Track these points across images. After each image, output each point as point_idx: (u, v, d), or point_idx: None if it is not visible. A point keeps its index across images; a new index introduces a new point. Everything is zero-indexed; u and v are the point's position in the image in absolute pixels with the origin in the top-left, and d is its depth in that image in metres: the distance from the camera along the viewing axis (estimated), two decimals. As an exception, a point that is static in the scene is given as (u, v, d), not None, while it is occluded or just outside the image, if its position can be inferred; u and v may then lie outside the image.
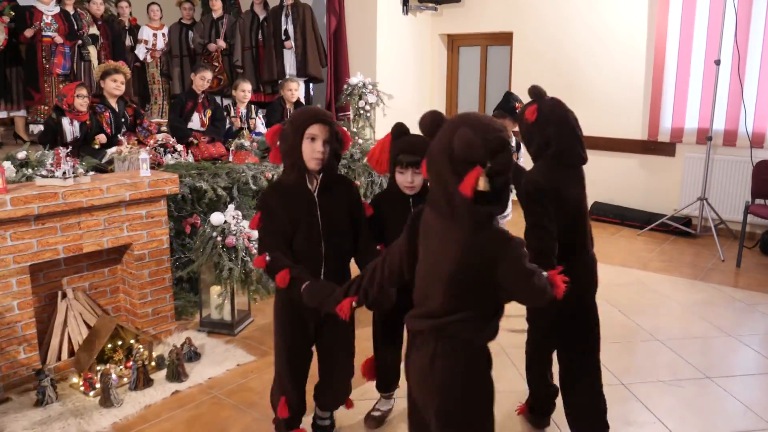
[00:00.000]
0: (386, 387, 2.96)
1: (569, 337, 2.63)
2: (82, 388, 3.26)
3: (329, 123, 2.34)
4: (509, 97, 4.60)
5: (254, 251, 3.92)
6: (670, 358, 3.71)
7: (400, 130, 2.62)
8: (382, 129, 6.96)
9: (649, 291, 4.83)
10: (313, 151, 2.29)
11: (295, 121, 2.33)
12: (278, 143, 2.38)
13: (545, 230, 2.33)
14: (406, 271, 1.89)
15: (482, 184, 1.60)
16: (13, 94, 6.14)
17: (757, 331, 4.11)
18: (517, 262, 1.71)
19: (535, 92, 2.61)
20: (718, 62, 5.99)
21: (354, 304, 2.04)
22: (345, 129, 2.45)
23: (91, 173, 3.57)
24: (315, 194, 2.39)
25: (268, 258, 2.30)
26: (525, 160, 4.74)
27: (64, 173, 3.31)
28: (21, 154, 3.88)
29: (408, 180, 2.57)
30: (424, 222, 1.82)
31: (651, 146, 6.72)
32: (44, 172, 3.37)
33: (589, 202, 7.24)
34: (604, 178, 6.93)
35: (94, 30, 6.64)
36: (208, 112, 5.61)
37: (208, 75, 5.64)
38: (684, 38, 6.38)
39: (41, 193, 3.20)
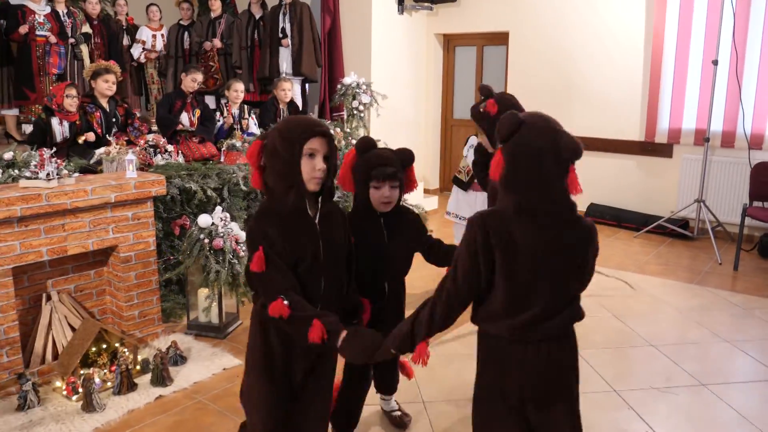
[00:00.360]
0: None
1: None
2: (64, 393, 3.21)
3: (329, 135, 2.00)
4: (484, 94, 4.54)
5: (242, 253, 3.87)
6: (665, 364, 3.65)
7: (368, 143, 2.44)
8: (376, 129, 6.91)
9: (645, 295, 4.77)
10: (312, 169, 1.94)
11: (289, 134, 1.94)
12: (263, 163, 1.99)
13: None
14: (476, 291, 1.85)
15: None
16: (3, 93, 6.09)
17: (753, 336, 4.06)
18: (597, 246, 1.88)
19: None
20: (715, 62, 5.93)
21: (428, 345, 1.88)
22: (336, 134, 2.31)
23: (76, 174, 3.51)
24: (316, 221, 2.04)
25: (286, 302, 1.90)
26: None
27: (48, 174, 3.26)
28: (7, 155, 3.83)
29: (385, 195, 2.38)
30: (500, 233, 1.75)
31: (648, 147, 6.67)
32: (28, 174, 3.32)
33: (585, 204, 7.27)
34: (601, 180, 6.88)
35: (86, 29, 6.59)
36: (197, 112, 5.56)
37: (199, 77, 5.58)
38: (681, 38, 6.33)
39: (24, 195, 3.14)
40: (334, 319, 1.93)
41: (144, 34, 7.17)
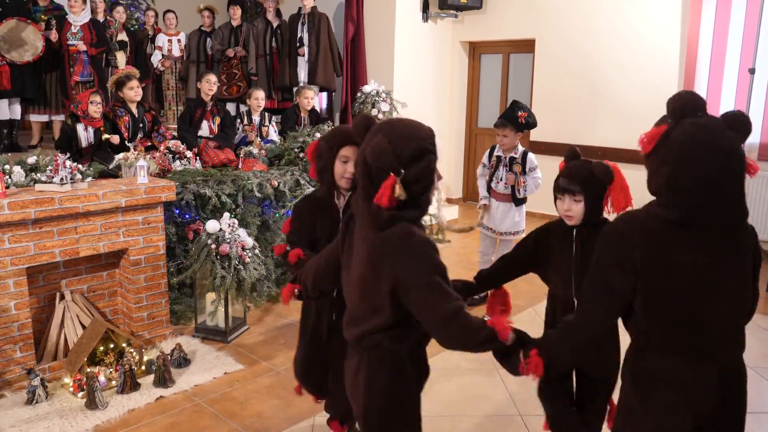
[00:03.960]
0: None
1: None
2: (71, 389, 3.35)
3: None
4: (514, 106, 4.54)
5: (248, 260, 3.97)
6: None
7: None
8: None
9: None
10: (344, 171, 2.34)
11: (330, 140, 2.38)
12: (315, 159, 2.45)
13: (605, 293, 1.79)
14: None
15: (398, 192, 1.66)
16: (51, 99, 6.37)
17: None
18: (415, 260, 1.69)
19: (679, 104, 1.75)
20: (752, 71, 5.68)
21: (296, 292, 2.21)
22: None
23: (89, 179, 3.65)
24: (341, 210, 2.48)
25: (288, 248, 2.40)
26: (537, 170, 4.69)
27: (62, 179, 3.41)
28: (31, 159, 4.00)
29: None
30: (353, 223, 1.91)
31: (678, 160, 6.51)
32: (44, 178, 3.47)
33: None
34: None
35: (123, 36, 6.84)
36: (217, 120, 5.69)
37: (213, 78, 5.72)
38: (717, 45, 6.12)
39: (38, 198, 3.30)
40: (310, 253, 2.35)
41: (161, 40, 7.39)
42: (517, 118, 4.41)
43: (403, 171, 1.67)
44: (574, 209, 2.30)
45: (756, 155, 6.02)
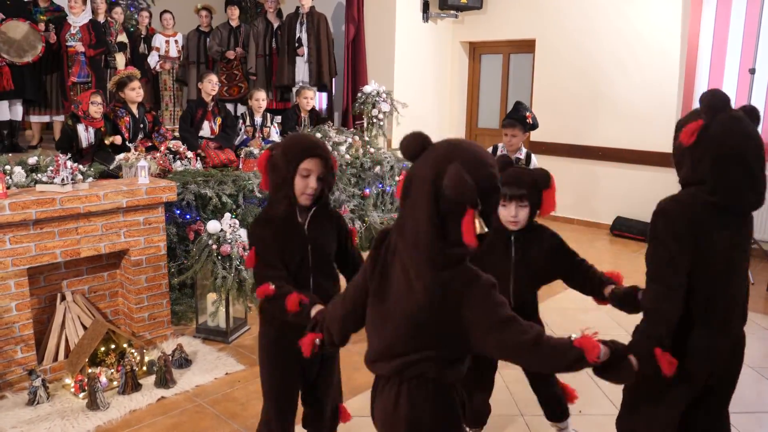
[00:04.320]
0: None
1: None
2: (72, 390, 3.34)
3: (325, 157, 2.18)
4: (519, 107, 4.55)
5: (248, 260, 3.96)
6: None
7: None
8: (397, 138, 6.96)
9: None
10: (306, 186, 2.15)
11: (288, 152, 2.15)
12: (269, 172, 2.21)
13: (664, 286, 1.90)
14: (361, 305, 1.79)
15: (479, 227, 1.52)
16: (52, 100, 6.37)
17: (778, 362, 3.90)
18: (485, 303, 1.58)
19: (709, 101, 1.92)
20: (752, 71, 5.70)
21: (317, 341, 1.90)
22: (334, 158, 2.29)
23: (90, 180, 3.65)
24: (305, 228, 2.24)
25: (272, 286, 2.12)
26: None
27: (63, 180, 3.41)
28: (32, 159, 4.01)
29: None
30: (390, 250, 1.68)
31: (679, 160, 6.51)
32: (44, 179, 3.47)
33: (612, 217, 7.16)
34: (628, 192, 6.76)
35: (122, 38, 6.84)
36: (218, 120, 5.70)
37: (214, 78, 5.72)
38: (717, 45, 6.13)
39: (39, 199, 3.30)
40: (312, 296, 2.12)
41: (158, 40, 7.38)
42: (525, 118, 4.44)
43: (480, 204, 1.51)
44: (520, 215, 2.40)
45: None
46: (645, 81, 6.66)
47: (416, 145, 1.61)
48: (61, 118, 6.38)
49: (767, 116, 5.90)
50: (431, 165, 1.54)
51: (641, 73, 6.69)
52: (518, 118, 4.45)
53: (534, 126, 4.52)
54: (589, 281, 2.43)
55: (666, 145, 6.49)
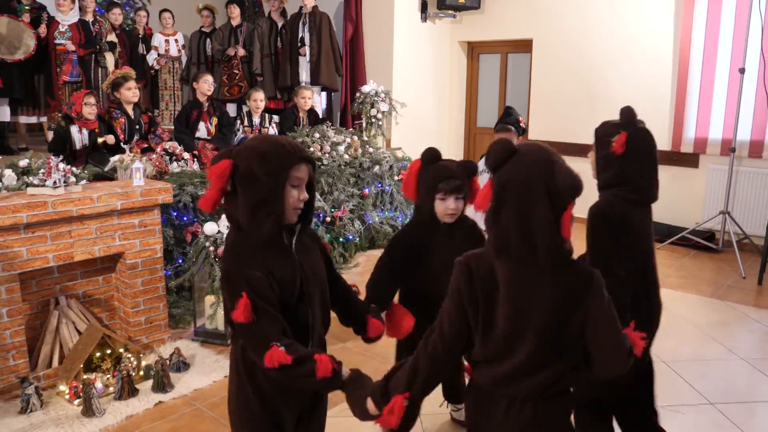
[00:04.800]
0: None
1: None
2: (67, 397, 3.27)
3: (313, 161, 1.82)
4: (511, 111, 4.56)
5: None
6: (673, 381, 3.54)
7: (433, 155, 2.49)
8: (395, 137, 6.91)
9: (662, 309, 4.63)
10: (296, 200, 1.75)
11: (271, 159, 1.70)
12: (230, 187, 1.71)
13: (615, 277, 2.01)
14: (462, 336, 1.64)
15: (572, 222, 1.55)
16: (40, 100, 6.30)
17: (771, 354, 3.91)
18: (604, 298, 1.57)
19: (627, 116, 2.24)
20: (742, 71, 5.75)
21: (406, 402, 1.64)
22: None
23: (84, 182, 3.58)
24: (293, 250, 1.81)
25: (282, 348, 1.66)
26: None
27: (55, 182, 3.34)
28: (23, 162, 3.94)
29: (450, 207, 2.45)
30: (488, 273, 1.58)
31: (674, 157, 6.50)
32: (36, 181, 3.40)
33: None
34: (625, 190, 6.72)
35: (112, 37, 6.77)
36: (214, 120, 5.64)
37: (210, 78, 5.68)
38: (708, 45, 6.17)
39: (30, 202, 3.22)
40: (331, 357, 1.75)
41: (157, 39, 7.32)
42: (518, 122, 4.45)
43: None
44: (459, 207, 2.46)
45: (747, 152, 6.01)
46: (639, 80, 6.67)
47: (507, 151, 1.56)
48: (30, 119, 6.30)
49: (756, 114, 5.90)
50: (536, 167, 1.52)
51: (635, 73, 6.69)
52: (512, 122, 4.45)
53: (525, 130, 4.54)
54: None
55: (659, 143, 6.39)
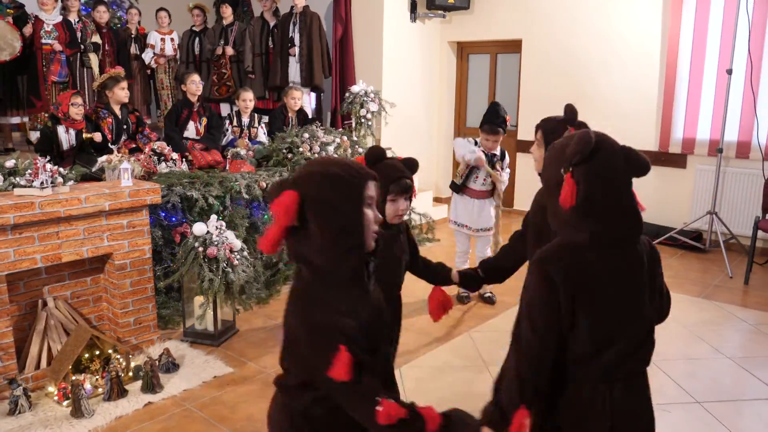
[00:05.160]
0: None
1: None
2: (56, 398, 3.26)
3: (376, 177, 1.60)
4: (498, 109, 4.57)
5: (236, 262, 3.89)
6: (661, 380, 3.57)
7: (379, 154, 2.34)
8: (385, 137, 6.91)
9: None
10: (371, 222, 1.51)
11: (347, 181, 1.48)
12: (311, 221, 1.45)
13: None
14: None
15: None
16: (23, 101, 6.25)
17: (758, 353, 3.95)
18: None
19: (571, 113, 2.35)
20: (729, 71, 5.80)
21: (529, 415, 1.59)
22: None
23: (71, 183, 3.56)
24: (370, 285, 1.57)
25: (391, 401, 1.43)
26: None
27: (42, 183, 3.32)
28: (9, 162, 3.90)
29: (402, 208, 2.36)
30: (584, 264, 1.61)
31: (662, 158, 6.54)
32: (23, 182, 3.38)
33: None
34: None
35: (96, 38, 6.72)
36: (204, 120, 5.62)
37: (197, 78, 5.66)
38: (697, 46, 6.21)
39: (17, 203, 3.20)
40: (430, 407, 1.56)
41: (153, 38, 7.27)
42: (505, 121, 4.49)
43: None
44: (407, 208, 2.41)
45: (734, 153, 6.07)
46: (627, 81, 6.72)
47: (592, 144, 1.61)
48: (14, 119, 6.26)
49: (744, 114, 5.96)
50: (618, 154, 1.63)
51: (624, 73, 6.74)
52: (499, 123, 4.49)
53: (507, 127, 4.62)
54: (432, 268, 2.59)
55: (647, 143, 6.61)
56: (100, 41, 6.62)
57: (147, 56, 7.20)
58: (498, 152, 4.65)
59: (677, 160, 6.49)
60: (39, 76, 6.06)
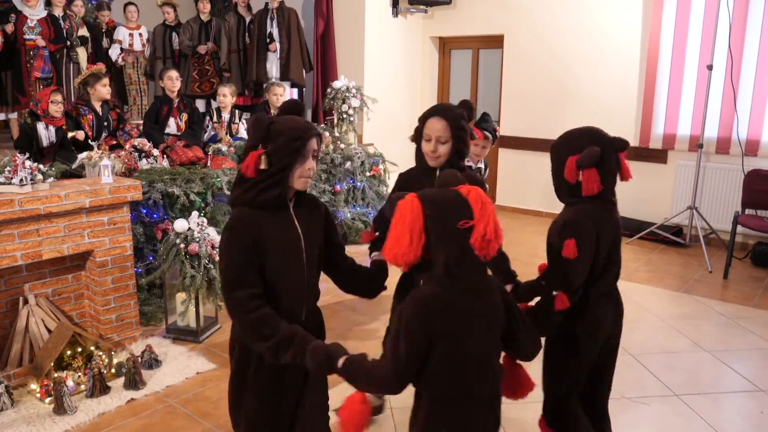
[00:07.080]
0: None
1: None
2: (38, 395, 3.24)
3: (320, 135, 1.98)
4: (488, 118, 4.52)
5: (218, 258, 3.87)
6: (640, 373, 3.62)
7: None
8: (367, 133, 6.92)
9: (629, 303, 4.72)
10: (306, 169, 1.90)
11: (291, 133, 1.85)
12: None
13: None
14: None
15: None
16: (8, 97, 6.17)
17: (735, 347, 4.01)
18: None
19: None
20: (710, 67, 5.87)
21: None
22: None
23: (51, 180, 3.53)
24: (291, 210, 1.94)
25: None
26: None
27: (21, 180, 3.29)
28: (-12, 160, 3.86)
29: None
30: (601, 220, 2.26)
31: (642, 153, 6.61)
32: (2, 179, 3.34)
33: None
34: (595, 185, 6.81)
35: (84, 32, 6.65)
36: (184, 116, 5.59)
37: (175, 74, 5.62)
38: (677, 42, 6.27)
39: (-4, 200, 3.18)
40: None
41: (121, 33, 7.18)
42: (495, 130, 4.44)
43: None
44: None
45: (714, 148, 6.14)
46: (608, 77, 6.77)
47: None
48: (15, 115, 6.19)
49: (724, 110, 6.03)
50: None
51: (605, 69, 6.79)
52: (491, 130, 4.46)
53: (496, 137, 4.57)
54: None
55: (628, 139, 6.35)
56: (87, 35, 6.56)
57: (114, 52, 7.12)
58: (483, 165, 4.55)
59: (658, 156, 6.57)
60: (23, 72, 5.99)
